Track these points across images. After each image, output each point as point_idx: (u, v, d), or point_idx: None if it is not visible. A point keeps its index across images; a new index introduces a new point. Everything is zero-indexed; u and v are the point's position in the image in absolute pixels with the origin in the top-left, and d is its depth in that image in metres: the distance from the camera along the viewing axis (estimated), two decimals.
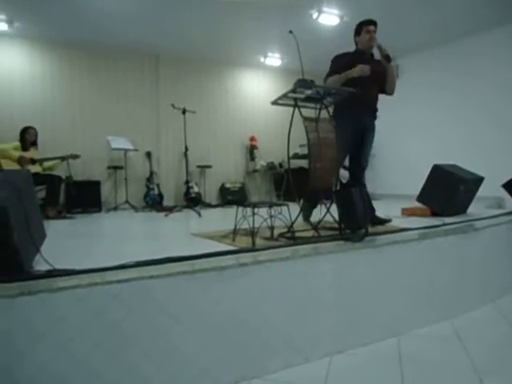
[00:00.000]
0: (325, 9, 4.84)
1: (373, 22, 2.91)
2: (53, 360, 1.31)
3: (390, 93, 3.13)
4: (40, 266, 1.57)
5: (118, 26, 5.12)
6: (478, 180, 3.54)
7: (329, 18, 5.03)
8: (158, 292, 1.49)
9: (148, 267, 1.59)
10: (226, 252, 1.89)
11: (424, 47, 6.26)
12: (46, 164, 4.74)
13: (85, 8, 4.57)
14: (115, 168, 5.86)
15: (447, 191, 3.27)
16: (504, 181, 3.56)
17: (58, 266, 1.54)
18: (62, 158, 4.75)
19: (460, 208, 3.44)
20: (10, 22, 4.89)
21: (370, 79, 2.81)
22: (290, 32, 2.65)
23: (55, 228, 3.46)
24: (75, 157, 4.79)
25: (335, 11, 4.91)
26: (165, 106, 6.02)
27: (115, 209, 5.39)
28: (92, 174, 5.74)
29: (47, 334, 1.30)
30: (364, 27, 2.91)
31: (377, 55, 3.01)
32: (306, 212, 2.91)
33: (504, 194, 3.67)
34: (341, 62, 2.89)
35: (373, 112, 3.08)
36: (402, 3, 4.74)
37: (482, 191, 3.60)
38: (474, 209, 3.60)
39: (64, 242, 2.68)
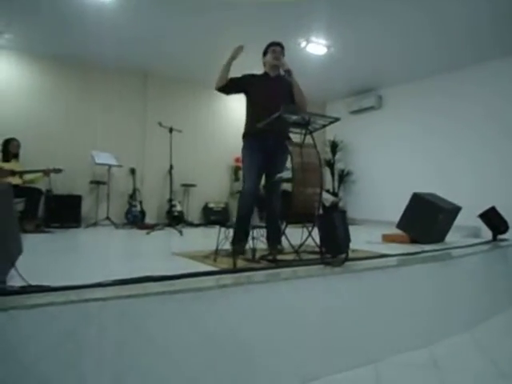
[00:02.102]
0: (313, 38, 5.01)
1: (278, 44, 3.05)
2: (18, 382, 1.25)
3: (301, 105, 2.95)
4: (14, 281, 1.53)
5: (107, 44, 5.16)
6: (456, 209, 3.64)
7: (316, 47, 5.20)
8: (134, 312, 1.46)
9: (126, 286, 1.56)
10: (206, 273, 1.87)
11: (408, 80, 6.52)
12: (27, 177, 4.66)
13: (75, 24, 4.62)
14: (98, 183, 5.79)
15: (426, 219, 3.35)
16: (480, 211, 3.67)
17: (33, 282, 1.50)
18: (44, 172, 4.68)
19: (438, 236, 3.52)
20: (0, 33, 4.89)
21: (273, 99, 2.79)
22: None
23: (32, 242, 3.37)
24: (58, 171, 4.71)
25: (323, 41, 5.09)
26: (151, 123, 6.04)
27: (95, 224, 5.30)
28: (73, 188, 5.65)
29: (14, 353, 1.25)
30: (270, 48, 3.04)
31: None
32: (240, 241, 2.71)
33: (480, 223, 3.77)
34: (241, 77, 3.08)
35: (279, 134, 2.79)
36: (385, 38, 4.95)
37: (459, 220, 3.70)
38: (451, 237, 3.68)
39: (40, 258, 2.61)
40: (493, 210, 3.64)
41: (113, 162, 5.65)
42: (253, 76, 3.09)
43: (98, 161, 5.44)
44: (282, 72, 2.98)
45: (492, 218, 3.65)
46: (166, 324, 1.52)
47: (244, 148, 3.02)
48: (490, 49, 5.12)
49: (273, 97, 2.84)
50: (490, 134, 5.49)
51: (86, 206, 5.69)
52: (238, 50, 2.97)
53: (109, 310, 1.41)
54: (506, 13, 4.16)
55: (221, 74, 3.00)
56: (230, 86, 3.03)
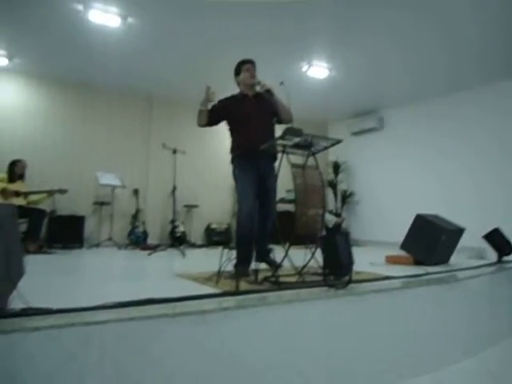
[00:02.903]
0: (315, 61, 5.11)
1: (250, 61, 2.96)
2: None
3: (288, 120, 2.91)
4: (15, 303, 1.52)
5: (113, 68, 5.29)
6: (459, 231, 3.62)
7: (318, 70, 5.30)
8: (136, 335, 1.44)
9: (128, 308, 1.55)
10: (208, 295, 1.86)
11: (408, 102, 6.60)
12: (32, 197, 4.69)
13: (82, 50, 4.76)
14: (101, 204, 5.82)
15: (429, 240, 3.33)
16: (484, 232, 3.65)
17: (35, 304, 1.49)
18: (49, 192, 4.72)
19: (442, 258, 3.49)
20: (10, 57, 5.03)
21: (256, 120, 2.83)
22: (281, 84, 2.79)
23: (34, 263, 3.36)
24: (63, 192, 4.75)
25: (324, 64, 5.19)
26: (155, 144, 6.12)
27: (97, 245, 5.29)
28: (77, 209, 5.67)
29: (14, 376, 1.24)
30: (243, 66, 2.95)
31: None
32: (243, 269, 2.67)
33: (485, 245, 3.74)
34: (220, 104, 2.97)
35: (268, 154, 2.81)
36: (386, 60, 5.04)
37: (464, 241, 3.67)
38: (456, 259, 3.65)
39: (43, 279, 2.60)
40: (496, 231, 3.62)
41: (117, 182, 5.69)
42: (229, 99, 2.99)
43: (102, 182, 5.49)
44: (259, 89, 2.90)
45: (496, 239, 3.62)
46: (168, 347, 1.50)
47: (236, 168, 2.95)
48: (494, 70, 5.12)
49: (256, 118, 2.85)
50: (493, 154, 5.50)
51: (89, 227, 5.69)
52: (209, 94, 2.86)
53: (110, 333, 1.40)
54: None
55: (199, 114, 2.93)
56: (211, 118, 2.94)
